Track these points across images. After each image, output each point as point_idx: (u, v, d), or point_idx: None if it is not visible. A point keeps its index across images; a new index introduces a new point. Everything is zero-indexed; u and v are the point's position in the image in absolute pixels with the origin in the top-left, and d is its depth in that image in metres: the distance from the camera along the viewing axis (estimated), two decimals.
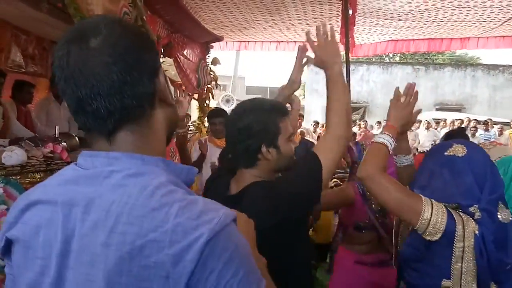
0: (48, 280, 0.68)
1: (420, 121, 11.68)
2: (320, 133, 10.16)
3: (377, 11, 5.20)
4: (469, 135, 9.03)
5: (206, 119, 6.09)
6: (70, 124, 4.85)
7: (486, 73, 17.94)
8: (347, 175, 2.79)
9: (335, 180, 3.70)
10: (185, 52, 5.46)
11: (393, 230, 1.76)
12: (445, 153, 1.51)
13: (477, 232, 1.35)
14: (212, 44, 6.56)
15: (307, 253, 1.42)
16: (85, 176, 0.70)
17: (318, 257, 3.24)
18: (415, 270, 1.49)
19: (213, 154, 3.75)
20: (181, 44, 5.27)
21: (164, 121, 0.78)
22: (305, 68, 1.73)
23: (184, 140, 3.32)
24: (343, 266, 2.21)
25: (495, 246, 1.34)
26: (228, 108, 13.10)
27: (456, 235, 1.35)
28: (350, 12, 4.56)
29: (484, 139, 9.86)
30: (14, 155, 2.34)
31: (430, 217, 1.36)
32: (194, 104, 7.05)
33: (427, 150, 1.64)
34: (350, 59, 4.39)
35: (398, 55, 22.08)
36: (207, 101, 6.52)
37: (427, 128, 11.61)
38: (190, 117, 8.19)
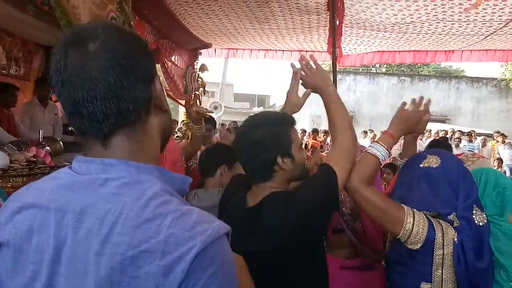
0: (39, 286, 0.68)
1: None
2: (307, 141, 10.19)
3: (364, 22, 5.28)
4: (453, 146, 9.17)
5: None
6: (55, 128, 4.79)
7: (470, 86, 18.31)
8: None
9: None
10: (172, 58, 5.45)
11: (366, 234, 1.81)
12: (420, 165, 1.55)
13: (456, 239, 1.40)
14: (201, 50, 6.56)
15: (325, 262, 1.46)
16: (80, 182, 0.70)
17: None
18: (398, 272, 1.54)
19: None
20: (169, 50, 5.26)
21: (159, 128, 0.78)
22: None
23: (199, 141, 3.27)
24: (329, 274, 2.20)
25: (474, 253, 1.39)
26: (216, 115, 13.10)
27: (435, 243, 1.40)
28: (337, 22, 4.61)
29: (468, 150, 10.03)
30: None
31: (412, 228, 1.41)
32: (181, 110, 7.03)
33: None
34: (337, 69, 4.43)
35: (385, 66, 22.40)
36: (194, 108, 6.50)
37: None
38: (177, 123, 8.17)
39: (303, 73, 1.60)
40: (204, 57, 7.03)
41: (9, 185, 2.33)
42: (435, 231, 1.41)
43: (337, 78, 4.36)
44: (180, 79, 5.77)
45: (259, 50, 7.31)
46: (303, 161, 1.45)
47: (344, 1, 4.45)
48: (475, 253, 1.40)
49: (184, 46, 5.89)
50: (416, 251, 1.43)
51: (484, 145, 11.21)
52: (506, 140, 10.92)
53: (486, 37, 5.55)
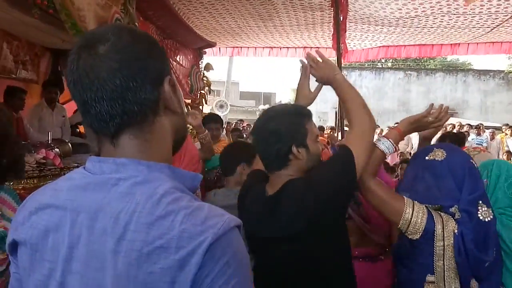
0: (55, 283, 0.70)
1: None
2: None
3: (368, 17, 5.26)
4: None
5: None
6: (63, 130, 4.84)
7: (477, 79, 18.13)
8: None
9: None
10: (177, 58, 5.48)
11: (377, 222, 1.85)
12: (426, 158, 1.60)
13: (456, 231, 1.44)
14: (205, 50, 6.58)
15: (348, 245, 1.49)
16: (94, 183, 0.72)
17: None
18: (405, 266, 1.58)
19: None
20: (174, 49, 5.29)
21: (169, 129, 0.79)
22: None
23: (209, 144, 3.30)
24: None
25: (474, 244, 1.42)
26: (222, 114, 13.12)
27: (435, 234, 1.45)
28: (341, 18, 4.60)
29: (476, 143, 9.94)
30: None
31: (411, 218, 1.47)
32: (185, 108, 7.06)
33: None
34: (342, 65, 4.42)
35: (390, 60, 22.26)
36: (200, 107, 6.53)
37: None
38: None
39: (312, 67, 1.63)
40: (209, 56, 7.05)
41: (21, 187, 2.36)
42: (434, 222, 1.46)
43: (343, 74, 4.35)
44: (186, 78, 5.80)
45: (263, 47, 7.31)
46: (318, 152, 1.49)
47: None
48: (478, 245, 1.43)
49: (189, 46, 5.91)
50: (417, 242, 1.48)
51: (492, 138, 11.09)
52: None
53: (492, 29, 5.51)
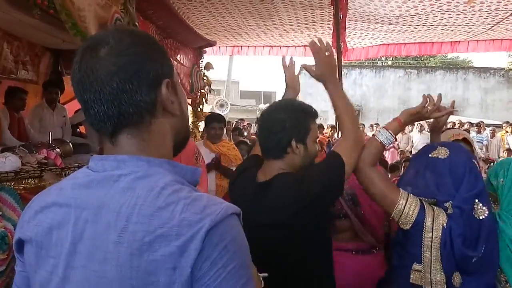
0: (56, 279, 0.73)
1: (413, 124, 11.75)
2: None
3: (368, 16, 5.26)
4: None
5: (201, 123, 6.10)
6: (64, 130, 4.84)
7: (477, 76, 18.11)
8: None
9: None
10: (178, 57, 5.48)
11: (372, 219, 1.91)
12: (429, 155, 1.64)
13: (445, 225, 1.50)
14: (205, 49, 6.58)
15: (329, 236, 1.57)
16: (97, 180, 0.75)
17: None
18: (397, 253, 1.67)
19: (208, 159, 3.75)
20: (174, 49, 5.29)
21: (169, 130, 0.81)
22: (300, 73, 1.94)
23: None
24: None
25: (462, 240, 1.47)
26: (222, 113, 13.11)
27: (425, 226, 1.52)
28: (341, 16, 4.61)
29: (477, 141, 9.94)
30: (8, 162, 2.34)
31: (403, 209, 1.54)
32: (188, 109, 7.06)
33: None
34: (342, 63, 4.42)
35: (391, 58, 22.22)
36: (200, 106, 6.53)
37: (420, 131, 11.66)
38: None
39: (315, 54, 1.64)
40: (209, 55, 7.05)
41: (22, 187, 2.37)
42: (425, 215, 1.52)
43: (343, 72, 4.36)
44: (186, 77, 5.80)
45: (263, 46, 7.31)
46: (314, 153, 1.55)
47: None
48: (465, 241, 1.47)
49: (189, 45, 5.91)
50: (408, 232, 1.56)
51: (493, 135, 11.08)
52: None
53: (492, 27, 5.51)
